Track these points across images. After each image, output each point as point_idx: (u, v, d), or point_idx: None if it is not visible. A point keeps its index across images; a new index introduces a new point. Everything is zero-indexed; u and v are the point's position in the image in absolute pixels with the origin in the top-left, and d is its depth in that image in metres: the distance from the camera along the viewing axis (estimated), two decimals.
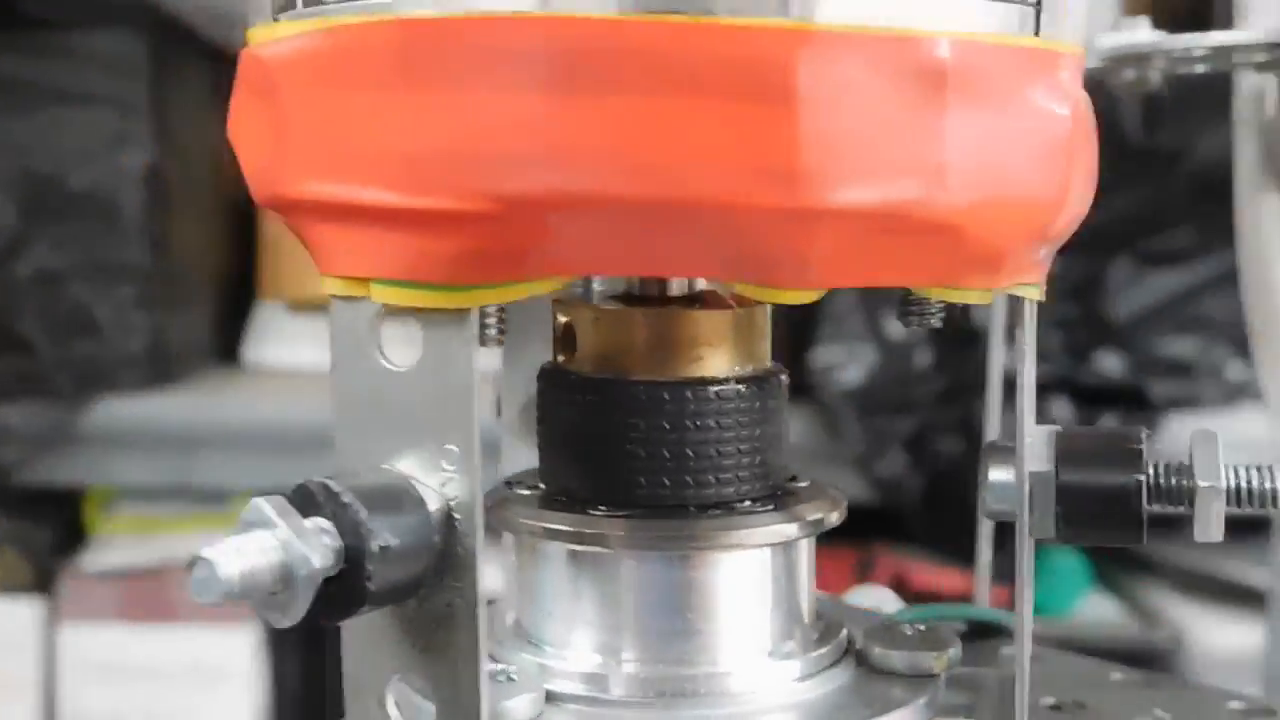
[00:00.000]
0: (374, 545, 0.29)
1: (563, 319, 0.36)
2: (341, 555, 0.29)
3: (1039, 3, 0.31)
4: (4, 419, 1.15)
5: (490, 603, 0.37)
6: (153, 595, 1.21)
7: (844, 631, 0.37)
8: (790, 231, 0.29)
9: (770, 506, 0.35)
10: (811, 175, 0.28)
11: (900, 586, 0.90)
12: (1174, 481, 0.34)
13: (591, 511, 0.35)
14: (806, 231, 0.29)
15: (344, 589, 0.29)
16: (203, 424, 1.20)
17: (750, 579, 0.35)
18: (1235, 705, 0.43)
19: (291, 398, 1.19)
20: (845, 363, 1.25)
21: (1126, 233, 1.21)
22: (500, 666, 0.34)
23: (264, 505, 0.28)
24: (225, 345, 1.31)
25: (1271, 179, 0.49)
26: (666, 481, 0.35)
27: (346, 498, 0.29)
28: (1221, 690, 0.44)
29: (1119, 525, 0.34)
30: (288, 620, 0.28)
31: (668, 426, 0.34)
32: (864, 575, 1.34)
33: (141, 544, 1.23)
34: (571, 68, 0.27)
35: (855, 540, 1.32)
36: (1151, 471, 0.34)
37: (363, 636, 0.32)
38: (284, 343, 1.29)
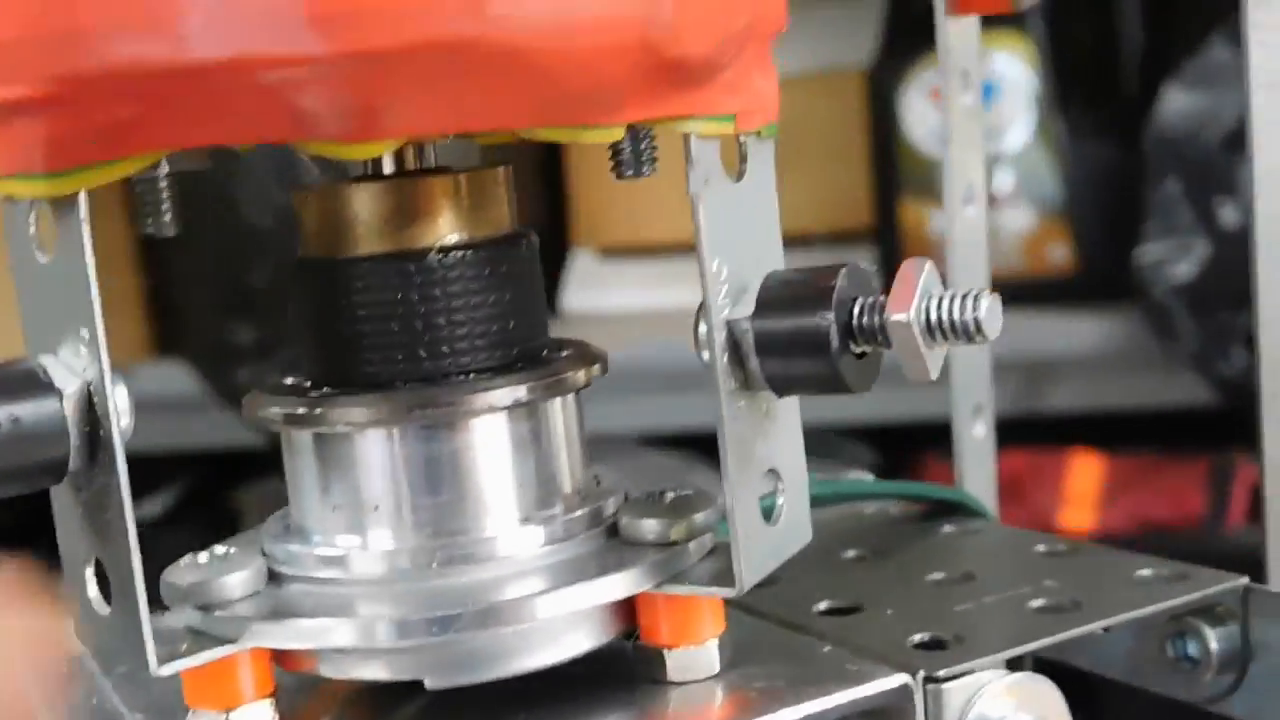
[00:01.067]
0: None
1: (296, 207, 0.36)
2: None
3: None
4: None
5: None
6: None
7: (610, 499, 0.36)
8: (332, 83, 0.28)
9: (507, 372, 0.35)
10: (323, 21, 0.27)
11: None
12: (868, 319, 0.31)
13: (320, 393, 0.35)
14: (347, 81, 0.28)
15: None
16: None
17: (485, 446, 0.34)
18: (1144, 572, 0.39)
19: (609, 342, 1.21)
20: (1175, 257, 1.17)
21: None
22: (222, 550, 0.35)
23: None
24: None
25: None
26: (399, 356, 0.34)
27: None
28: (1135, 556, 0.40)
29: (816, 371, 0.32)
30: None
31: (384, 301, 0.34)
32: (1222, 485, 1.26)
33: None
34: None
35: (1208, 448, 1.24)
36: (854, 310, 0.32)
37: (63, 519, 0.33)
38: (598, 289, 1.32)
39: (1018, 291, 1.25)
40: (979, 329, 0.31)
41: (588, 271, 1.35)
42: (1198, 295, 1.15)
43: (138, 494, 0.31)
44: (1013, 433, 1.35)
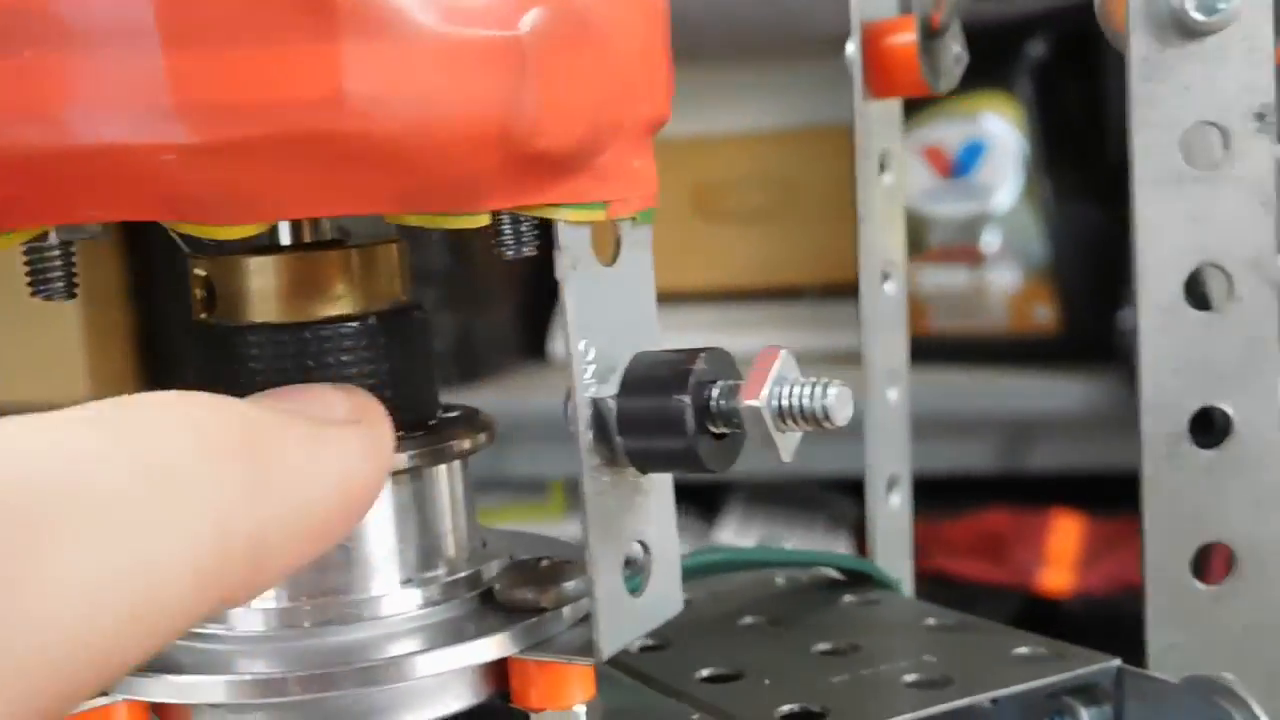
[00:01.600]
0: None
1: (199, 273, 0.37)
2: None
3: None
4: None
5: None
6: None
7: (493, 563, 0.37)
8: (199, 170, 0.30)
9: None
10: (189, 112, 0.29)
11: None
12: (721, 403, 0.32)
13: None
14: (213, 168, 0.30)
15: None
16: (513, 417, 1.26)
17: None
18: (1021, 650, 0.40)
19: None
20: None
21: None
22: None
23: None
24: (530, 341, 1.37)
25: None
26: None
27: None
28: (1018, 634, 0.41)
29: (674, 450, 0.33)
30: None
31: (278, 368, 0.35)
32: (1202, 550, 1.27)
33: None
34: None
35: None
36: (712, 393, 0.33)
37: None
38: None
39: (1002, 350, 1.26)
40: (827, 416, 0.32)
41: None
42: None
43: None
44: (995, 491, 1.36)
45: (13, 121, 0.29)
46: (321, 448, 0.28)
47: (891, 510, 0.50)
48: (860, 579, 0.48)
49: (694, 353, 0.33)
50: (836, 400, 0.32)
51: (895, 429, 0.51)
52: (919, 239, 1.26)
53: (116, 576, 0.22)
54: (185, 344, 1.12)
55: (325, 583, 0.36)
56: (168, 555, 0.23)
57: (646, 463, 0.33)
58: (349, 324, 0.36)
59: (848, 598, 0.46)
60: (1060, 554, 1.28)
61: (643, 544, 0.35)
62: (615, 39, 0.32)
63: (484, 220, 0.32)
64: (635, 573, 0.35)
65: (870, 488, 0.50)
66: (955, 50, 0.48)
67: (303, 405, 0.29)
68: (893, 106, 0.50)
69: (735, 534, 1.28)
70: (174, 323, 1.30)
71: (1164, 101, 0.40)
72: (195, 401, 0.26)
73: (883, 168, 0.50)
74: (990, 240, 1.26)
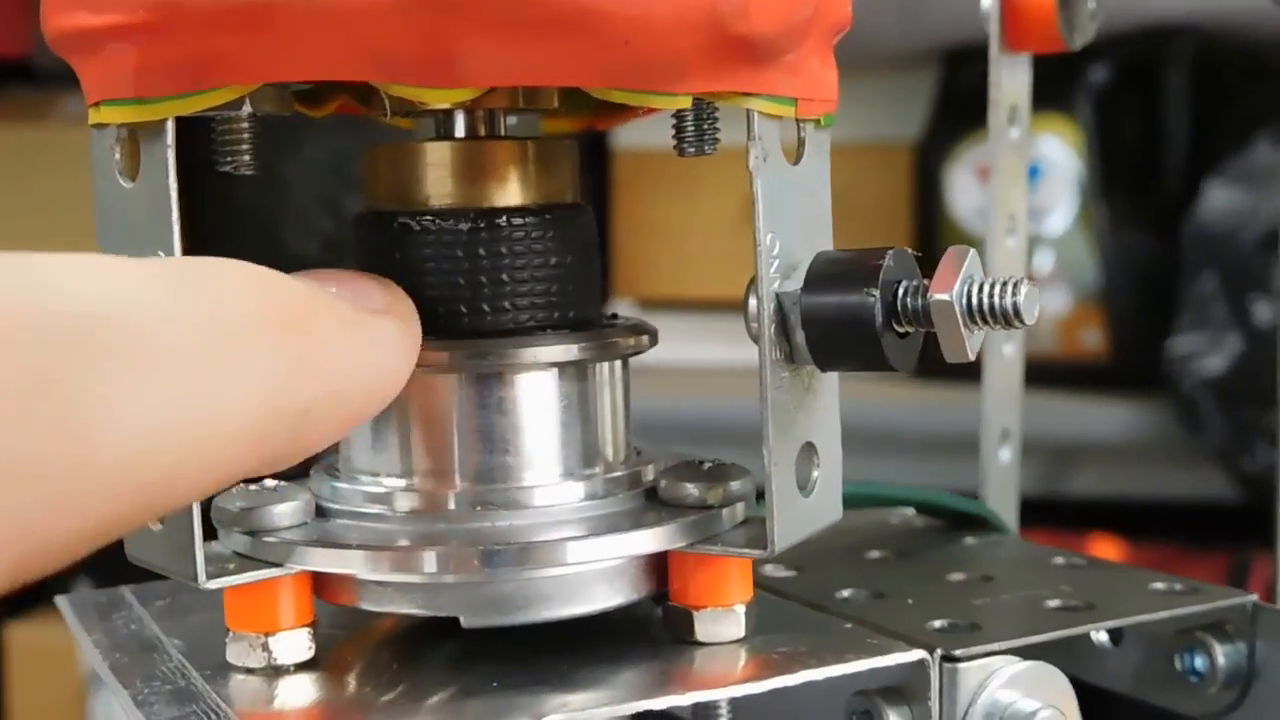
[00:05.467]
0: None
1: (366, 163, 0.38)
2: None
3: None
4: None
5: None
6: None
7: (650, 466, 0.37)
8: (410, 24, 0.30)
9: (561, 331, 0.36)
10: None
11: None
12: (910, 300, 0.33)
13: None
14: (425, 23, 0.30)
15: None
16: None
17: (534, 400, 0.36)
18: (1156, 585, 0.40)
19: (645, 391, 1.23)
20: (1207, 351, 1.18)
21: None
22: (272, 484, 0.36)
23: None
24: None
25: None
26: (461, 309, 0.35)
27: None
28: (1149, 572, 0.41)
29: (860, 346, 0.33)
30: None
31: (450, 255, 0.35)
32: (1239, 581, 1.26)
33: None
34: None
35: (1227, 545, 1.24)
36: (897, 291, 0.33)
37: None
38: None
39: (1049, 373, 1.26)
40: (1017, 314, 0.32)
41: None
42: (1226, 390, 1.16)
43: None
44: (1035, 513, 1.35)
45: None
46: (360, 334, 0.29)
47: (1002, 463, 0.51)
48: (973, 523, 0.48)
49: (880, 251, 0.33)
50: (1027, 298, 0.32)
51: (1010, 383, 0.51)
52: None
53: (170, 424, 0.22)
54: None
55: (488, 471, 0.36)
56: (220, 416, 0.24)
57: (829, 359, 0.34)
58: (523, 215, 0.36)
59: (969, 539, 0.46)
60: None
61: (811, 445, 0.35)
62: None
63: (684, 102, 0.32)
64: (804, 473, 0.35)
65: (984, 441, 0.50)
66: (1091, 6, 0.48)
67: (344, 289, 0.30)
68: (1023, 61, 0.50)
69: None
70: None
71: None
72: (255, 272, 0.27)
73: (1010, 121, 0.50)
74: (1042, 263, 1.27)
